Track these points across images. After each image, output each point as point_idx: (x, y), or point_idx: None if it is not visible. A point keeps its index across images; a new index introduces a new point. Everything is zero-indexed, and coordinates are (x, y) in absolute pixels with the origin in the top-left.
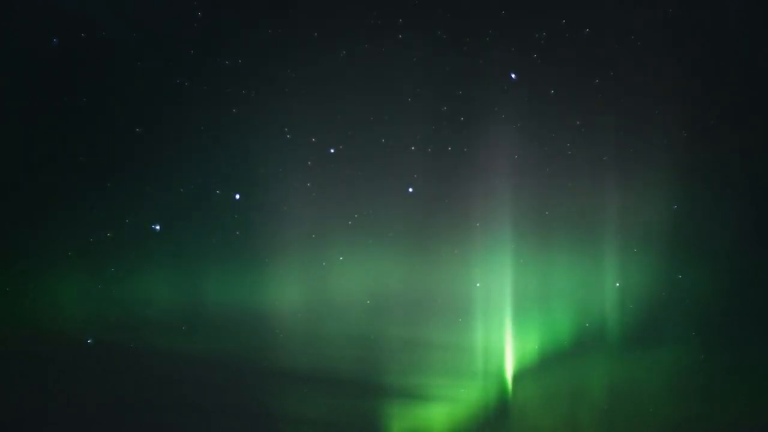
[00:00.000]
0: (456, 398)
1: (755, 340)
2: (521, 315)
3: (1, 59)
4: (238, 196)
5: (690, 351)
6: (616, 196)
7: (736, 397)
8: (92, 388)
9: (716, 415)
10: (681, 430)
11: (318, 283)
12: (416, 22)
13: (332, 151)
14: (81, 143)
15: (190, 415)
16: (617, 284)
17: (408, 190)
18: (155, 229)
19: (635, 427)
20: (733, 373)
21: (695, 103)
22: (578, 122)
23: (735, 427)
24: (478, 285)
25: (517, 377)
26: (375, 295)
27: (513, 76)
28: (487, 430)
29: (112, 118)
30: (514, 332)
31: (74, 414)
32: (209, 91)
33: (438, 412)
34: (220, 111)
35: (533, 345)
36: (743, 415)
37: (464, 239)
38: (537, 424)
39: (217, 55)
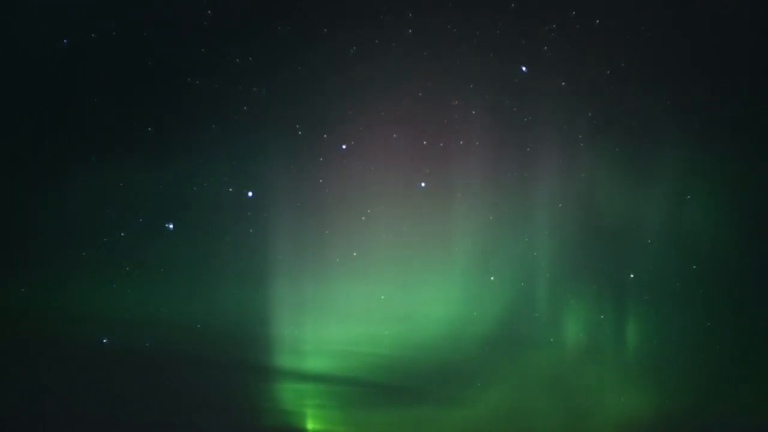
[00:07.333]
0: (469, 398)
1: None
2: (535, 308)
3: (11, 60)
4: (250, 194)
5: (705, 342)
6: (629, 187)
7: (750, 387)
8: (107, 388)
9: (730, 404)
10: (695, 419)
11: (332, 279)
12: (426, 17)
13: (344, 147)
14: (93, 143)
15: (205, 415)
16: (632, 276)
17: (420, 185)
18: (168, 227)
19: (649, 418)
20: (748, 363)
21: (708, 93)
22: (590, 114)
23: (749, 416)
24: (492, 279)
25: (528, 372)
26: (389, 290)
27: (523, 68)
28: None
29: (123, 118)
30: (527, 325)
31: (88, 413)
32: (220, 89)
33: (452, 415)
34: (231, 109)
35: (548, 338)
36: (757, 405)
37: (477, 233)
38: (547, 416)
39: (228, 53)
